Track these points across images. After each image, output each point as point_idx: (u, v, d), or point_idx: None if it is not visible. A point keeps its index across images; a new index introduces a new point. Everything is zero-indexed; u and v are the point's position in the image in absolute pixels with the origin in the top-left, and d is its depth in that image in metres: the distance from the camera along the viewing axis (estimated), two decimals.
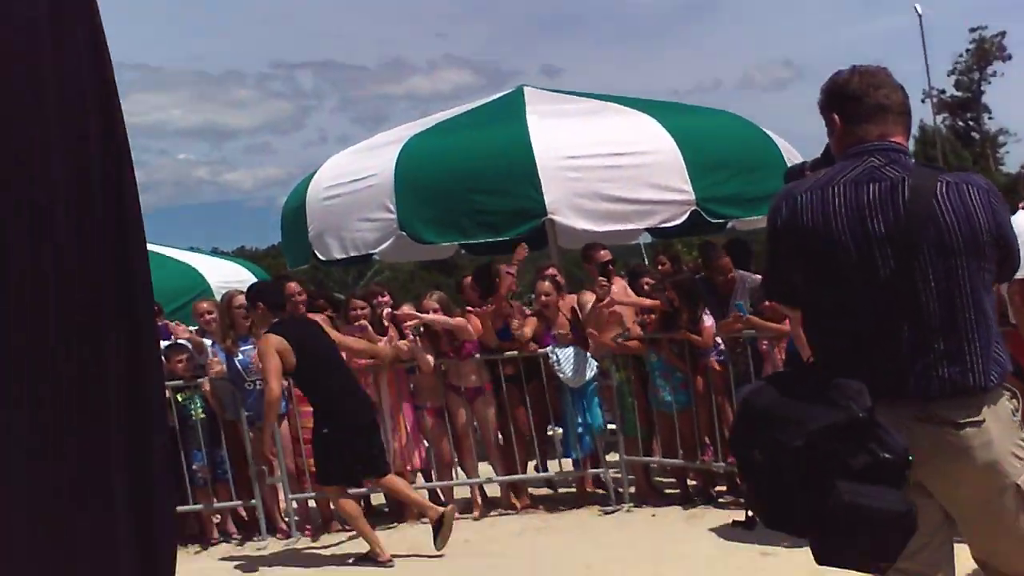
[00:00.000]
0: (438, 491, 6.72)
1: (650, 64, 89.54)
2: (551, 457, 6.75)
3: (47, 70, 1.87)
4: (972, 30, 46.22)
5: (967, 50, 46.12)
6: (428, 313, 6.31)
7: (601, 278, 6.29)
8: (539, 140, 7.47)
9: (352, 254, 7.86)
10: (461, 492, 6.74)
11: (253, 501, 6.39)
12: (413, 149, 7.78)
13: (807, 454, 2.23)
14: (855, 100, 2.50)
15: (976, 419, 2.35)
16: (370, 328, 6.43)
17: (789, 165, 7.48)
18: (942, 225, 2.34)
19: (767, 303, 5.40)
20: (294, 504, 6.44)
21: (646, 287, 6.60)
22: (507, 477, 6.61)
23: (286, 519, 6.49)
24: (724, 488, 6.29)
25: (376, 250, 7.83)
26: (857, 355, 2.38)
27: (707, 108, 8.57)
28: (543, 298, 6.51)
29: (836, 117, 2.53)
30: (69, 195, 1.92)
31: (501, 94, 8.98)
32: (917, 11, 13.66)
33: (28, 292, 1.88)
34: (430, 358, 6.37)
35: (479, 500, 6.57)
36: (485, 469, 6.79)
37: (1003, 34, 45.99)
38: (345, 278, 29.90)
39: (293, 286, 6.59)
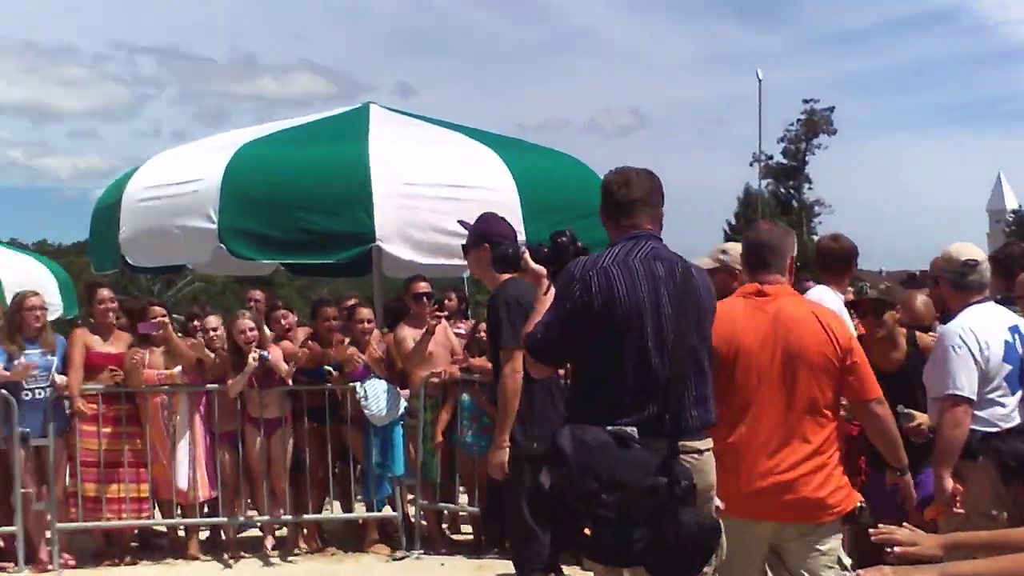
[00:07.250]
0: (221, 528, 6.32)
1: (502, 95, 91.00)
2: (344, 498, 6.45)
3: None
4: (805, 101, 48.20)
5: (798, 120, 48.05)
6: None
7: (435, 307, 6.08)
8: (378, 163, 7.20)
9: (164, 263, 7.35)
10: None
11: (12, 528, 5.81)
12: (244, 158, 7.34)
13: (654, 490, 2.51)
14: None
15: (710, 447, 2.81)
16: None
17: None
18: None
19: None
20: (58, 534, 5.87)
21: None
22: (296, 517, 6.21)
23: (49, 549, 5.92)
24: None
25: (191, 261, 7.36)
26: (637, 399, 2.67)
27: (550, 149, 8.49)
28: (365, 324, 6.24)
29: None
30: None
31: (346, 108, 8.68)
32: (758, 76, 14.34)
33: None
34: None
35: (270, 539, 6.21)
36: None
37: (832, 109, 48.26)
38: (151, 286, 28.59)
39: (104, 292, 6.29)
